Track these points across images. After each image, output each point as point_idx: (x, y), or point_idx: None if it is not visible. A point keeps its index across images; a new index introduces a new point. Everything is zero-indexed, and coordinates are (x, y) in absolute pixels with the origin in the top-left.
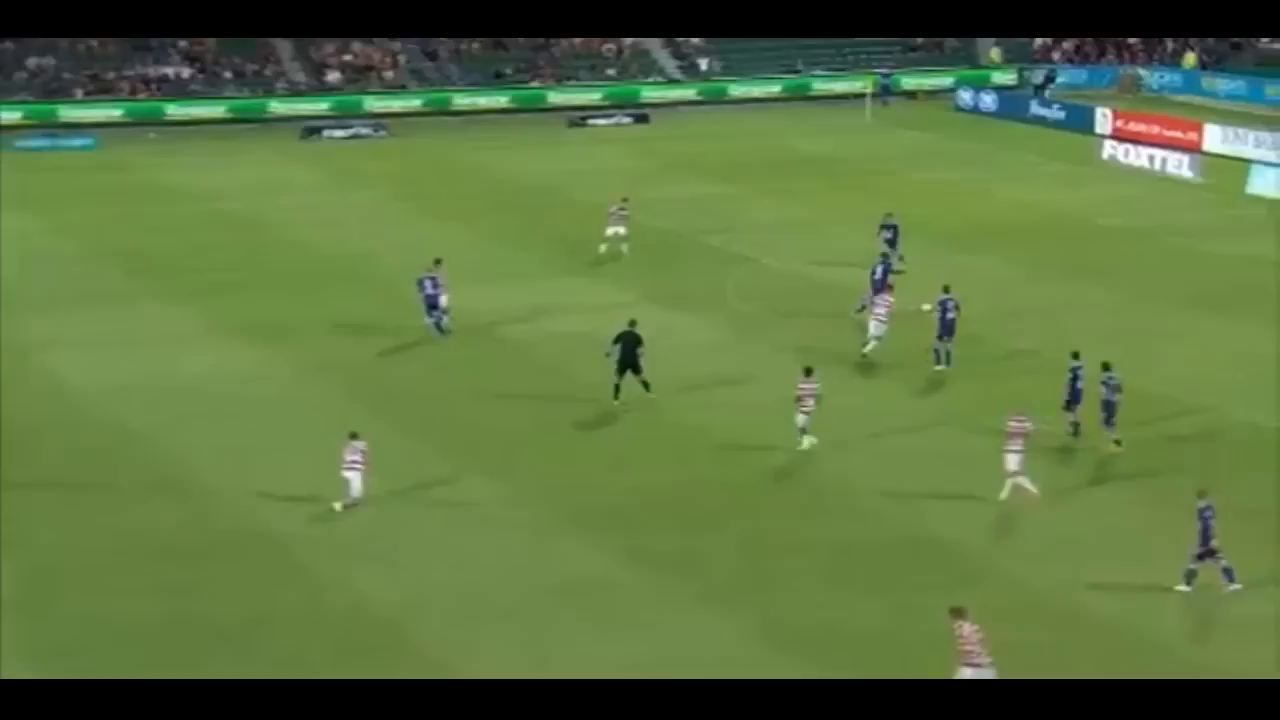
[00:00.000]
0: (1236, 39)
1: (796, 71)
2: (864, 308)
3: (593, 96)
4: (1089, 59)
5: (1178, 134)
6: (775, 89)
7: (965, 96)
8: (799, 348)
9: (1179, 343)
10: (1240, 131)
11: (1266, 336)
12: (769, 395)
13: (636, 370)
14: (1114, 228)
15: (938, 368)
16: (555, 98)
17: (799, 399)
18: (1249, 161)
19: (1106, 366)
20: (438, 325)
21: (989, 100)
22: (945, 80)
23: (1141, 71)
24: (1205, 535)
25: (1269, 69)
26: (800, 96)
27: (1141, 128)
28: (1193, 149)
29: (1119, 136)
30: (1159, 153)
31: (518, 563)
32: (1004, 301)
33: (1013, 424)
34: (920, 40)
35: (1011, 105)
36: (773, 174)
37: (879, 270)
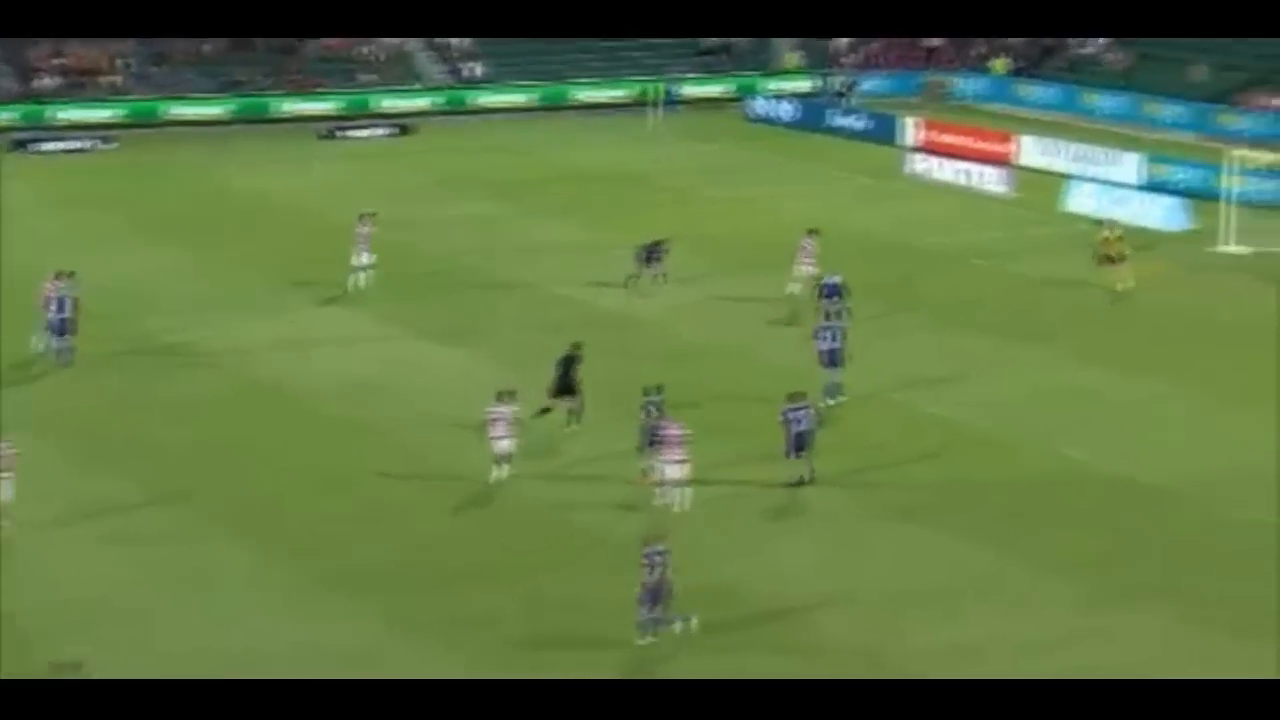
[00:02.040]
0: (1050, 42)
1: (573, 80)
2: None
3: (329, 106)
4: (893, 65)
5: (989, 146)
6: (529, 98)
7: (759, 105)
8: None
9: (981, 372)
10: (1056, 143)
11: (1068, 367)
12: (542, 433)
13: (573, 394)
14: (919, 247)
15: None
16: (295, 106)
17: (489, 423)
18: (1065, 176)
19: (794, 397)
20: (58, 352)
21: (785, 109)
22: (737, 86)
23: (950, 78)
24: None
25: (1084, 76)
26: (562, 106)
27: (950, 139)
28: (1005, 162)
29: (926, 149)
30: (969, 166)
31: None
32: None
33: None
34: (709, 42)
35: (810, 115)
36: (551, 191)
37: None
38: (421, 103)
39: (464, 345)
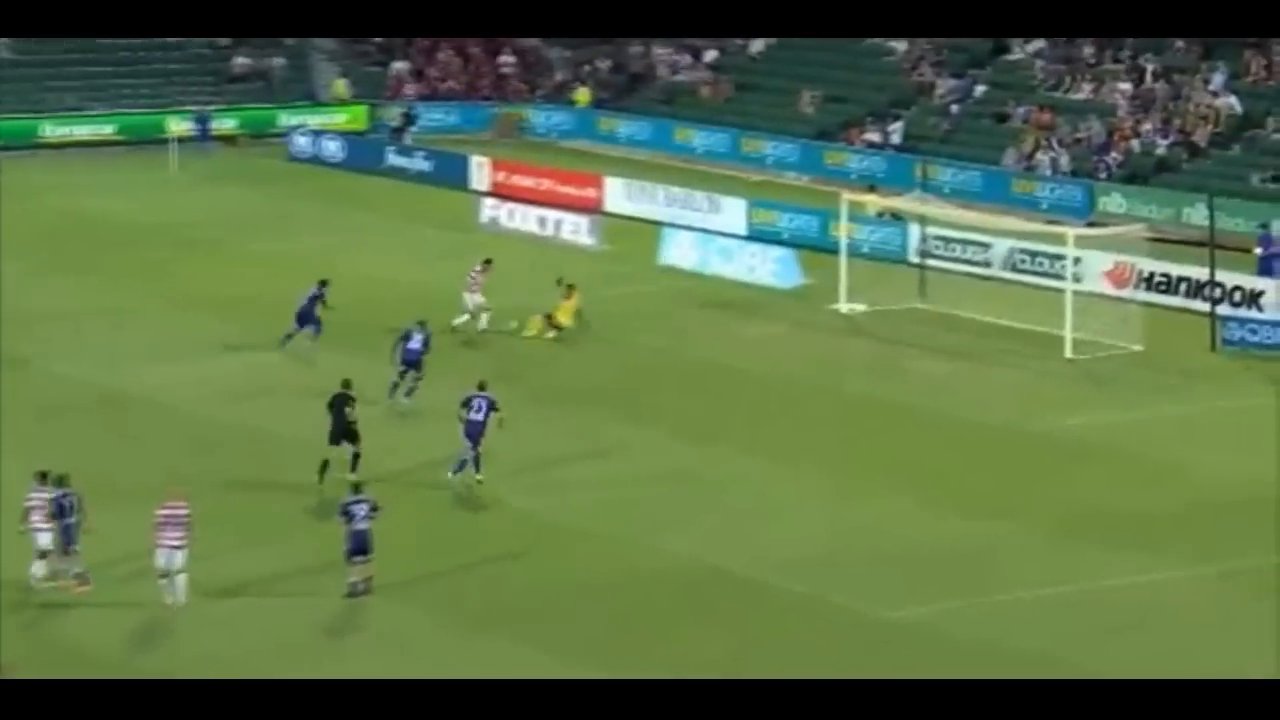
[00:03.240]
0: (640, 69)
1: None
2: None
3: None
4: (460, 95)
5: (572, 190)
6: None
7: (302, 141)
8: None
9: (575, 455)
10: (648, 186)
11: (672, 447)
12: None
13: (352, 439)
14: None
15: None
16: None
17: (27, 512)
18: (660, 224)
19: (356, 488)
20: None
21: (334, 147)
22: (284, 119)
23: (525, 110)
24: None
25: (679, 109)
26: (38, 144)
27: (528, 182)
28: (592, 208)
29: (501, 193)
30: (550, 214)
31: None
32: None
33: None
34: (241, 65)
35: (363, 153)
36: (58, 245)
37: None
38: None
39: None
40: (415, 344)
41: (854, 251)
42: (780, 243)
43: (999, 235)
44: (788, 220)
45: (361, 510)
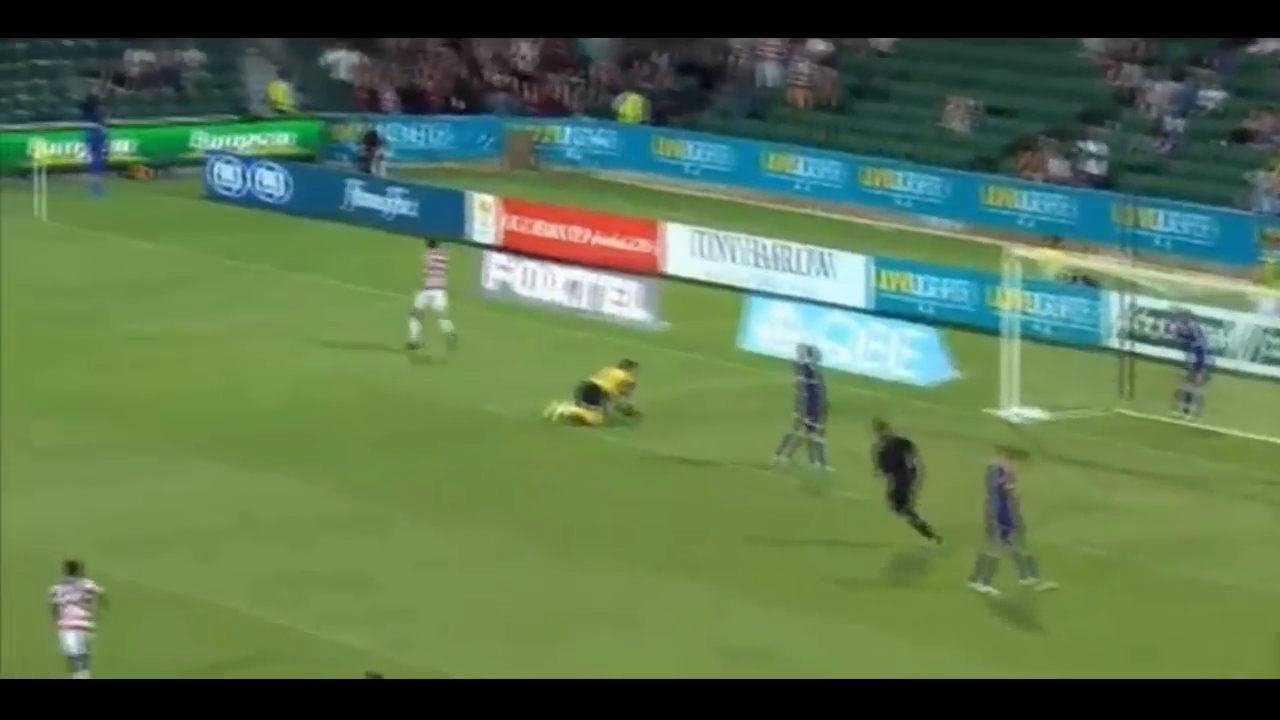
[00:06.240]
0: (715, 72)
1: None
2: None
3: None
4: (454, 105)
5: (618, 242)
6: None
7: (225, 172)
8: None
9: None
10: (725, 237)
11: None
12: None
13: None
14: (486, 415)
15: None
16: None
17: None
18: (743, 292)
19: None
20: None
21: (272, 180)
22: (200, 138)
23: (549, 127)
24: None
25: (768, 123)
26: None
27: (553, 231)
28: (647, 269)
29: (514, 247)
30: (586, 277)
31: None
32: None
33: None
34: (136, 60)
35: (315, 189)
36: None
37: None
38: None
39: None
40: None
41: (1026, 332)
42: (919, 319)
43: (1239, 309)
44: (929, 287)
45: None
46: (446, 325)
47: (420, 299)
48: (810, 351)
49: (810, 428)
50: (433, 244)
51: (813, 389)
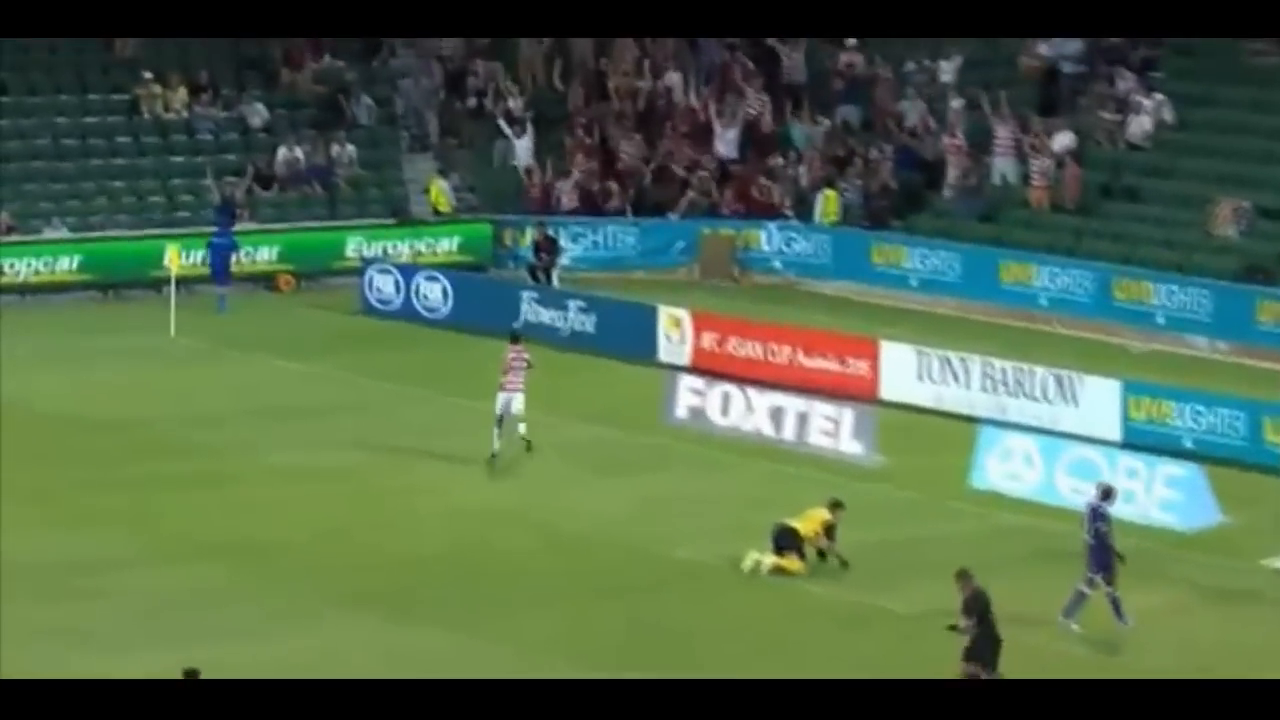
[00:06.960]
0: (933, 180)
1: None
2: None
3: None
4: (639, 204)
5: (828, 364)
6: None
7: (381, 283)
8: None
9: None
10: (953, 359)
11: None
12: None
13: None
14: (675, 561)
15: None
16: None
17: None
18: (975, 421)
19: None
20: None
21: (437, 293)
22: (353, 245)
23: (747, 231)
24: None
25: (1001, 227)
26: None
27: (754, 350)
28: (862, 395)
29: (709, 368)
30: (792, 403)
31: None
32: None
33: None
34: (286, 161)
35: (480, 302)
36: None
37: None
38: None
39: None
40: None
41: None
42: (1180, 454)
43: None
44: (1192, 417)
45: None
46: (523, 428)
47: (499, 402)
48: (1108, 494)
49: (1108, 582)
50: (515, 339)
51: (1101, 537)
